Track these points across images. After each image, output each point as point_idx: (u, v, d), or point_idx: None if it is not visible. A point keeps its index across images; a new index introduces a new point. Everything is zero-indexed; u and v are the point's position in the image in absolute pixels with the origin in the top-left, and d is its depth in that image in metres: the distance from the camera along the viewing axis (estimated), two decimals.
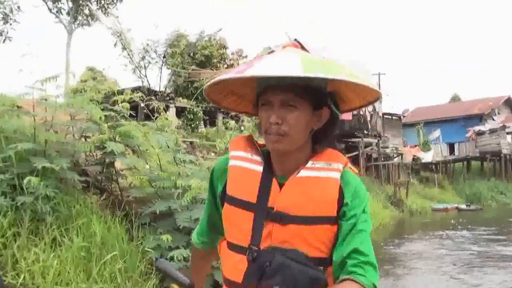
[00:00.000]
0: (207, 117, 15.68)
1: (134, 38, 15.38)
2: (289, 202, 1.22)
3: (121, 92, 6.45)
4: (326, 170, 1.24)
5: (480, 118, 38.70)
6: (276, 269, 1.12)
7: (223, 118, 16.85)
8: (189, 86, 17.99)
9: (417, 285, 8.49)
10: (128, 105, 6.22)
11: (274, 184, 1.25)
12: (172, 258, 4.35)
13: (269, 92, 1.22)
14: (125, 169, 6.21)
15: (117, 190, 5.95)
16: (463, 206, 24.80)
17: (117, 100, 6.11)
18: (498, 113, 40.18)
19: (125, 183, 6.26)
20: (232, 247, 1.28)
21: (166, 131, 6.22)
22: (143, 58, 15.45)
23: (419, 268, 10.04)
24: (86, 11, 22.00)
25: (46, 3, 21.21)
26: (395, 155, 28.84)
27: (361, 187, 1.27)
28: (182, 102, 16.23)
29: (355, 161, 22.62)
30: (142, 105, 6.37)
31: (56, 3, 21.52)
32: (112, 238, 4.60)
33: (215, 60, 19.40)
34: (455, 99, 54.02)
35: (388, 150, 27.81)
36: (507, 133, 33.71)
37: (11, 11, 18.73)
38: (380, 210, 17.51)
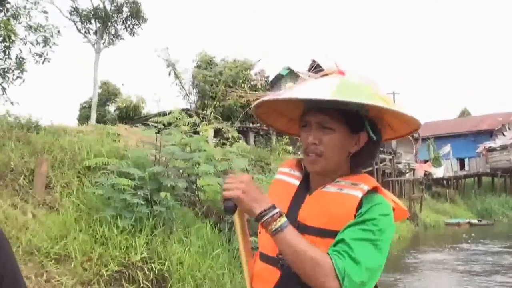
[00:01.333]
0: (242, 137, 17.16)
1: (187, 69, 17.14)
2: (308, 213, 1.28)
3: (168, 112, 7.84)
4: (350, 188, 1.27)
5: (490, 133, 39.32)
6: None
7: (254, 137, 18.31)
8: (217, 105, 19.37)
9: (438, 285, 9.86)
10: (208, 133, 7.74)
11: (307, 198, 1.33)
12: None
13: (309, 114, 1.31)
14: (205, 185, 7.69)
15: (200, 202, 7.43)
16: (475, 221, 25.85)
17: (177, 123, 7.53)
18: (509, 129, 40.85)
19: (203, 196, 7.76)
20: (262, 256, 1.36)
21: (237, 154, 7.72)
22: (195, 85, 17.10)
23: (437, 273, 11.41)
24: (112, 31, 23.42)
25: (75, 23, 22.75)
26: (407, 171, 30.14)
27: (384, 207, 1.25)
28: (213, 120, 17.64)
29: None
30: (226, 130, 7.85)
31: (85, 24, 23.01)
32: (215, 239, 6.10)
33: (240, 81, 20.68)
34: (464, 113, 54.41)
35: (400, 166, 29.11)
36: None
37: (52, 35, 19.93)
38: (398, 224, 18.79)
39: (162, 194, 5.59)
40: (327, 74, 1.37)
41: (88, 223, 5.47)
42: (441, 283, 10.09)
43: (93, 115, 22.02)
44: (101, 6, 22.62)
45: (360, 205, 1.23)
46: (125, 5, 22.94)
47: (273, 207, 1.19)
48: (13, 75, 13.59)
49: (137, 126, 8.74)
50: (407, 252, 14.78)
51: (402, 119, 1.30)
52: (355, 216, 1.21)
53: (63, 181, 6.18)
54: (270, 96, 1.35)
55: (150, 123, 6.60)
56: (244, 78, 20.83)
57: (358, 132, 1.30)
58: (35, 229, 5.28)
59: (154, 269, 5.21)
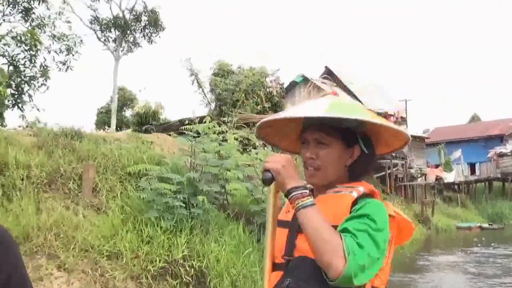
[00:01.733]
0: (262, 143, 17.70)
1: (208, 78, 17.78)
2: None
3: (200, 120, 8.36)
4: (346, 190, 1.38)
5: (500, 138, 39.48)
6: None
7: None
8: (237, 112, 19.60)
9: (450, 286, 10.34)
10: (236, 142, 8.30)
11: None
12: None
13: (306, 132, 1.43)
14: (233, 190, 8.25)
15: (228, 205, 7.98)
16: (486, 225, 26.19)
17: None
18: None
19: (231, 200, 8.31)
20: (273, 266, 1.41)
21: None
22: (217, 94, 17.70)
23: (448, 275, 11.88)
24: (131, 39, 24.00)
25: (95, 32, 23.40)
26: (419, 176, 30.49)
27: (377, 204, 1.35)
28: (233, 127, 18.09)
29: (382, 181, 24.47)
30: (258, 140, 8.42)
31: (104, 32, 23.64)
32: (246, 239, 6.65)
33: (256, 88, 20.94)
34: (474, 119, 54.50)
35: (412, 171, 29.47)
36: None
37: (75, 44, 20.41)
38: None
39: (200, 198, 6.16)
40: (324, 95, 1.49)
41: (133, 224, 6.05)
42: (453, 284, 10.56)
43: (113, 121, 22.66)
44: (121, 15, 23.21)
45: (355, 203, 1.34)
46: (144, 14, 23.53)
47: (304, 187, 1.31)
48: (38, 82, 14.18)
49: (170, 134, 9.32)
50: (420, 254, 15.25)
51: (394, 133, 1.45)
52: (350, 212, 1.31)
53: (107, 186, 6.79)
54: (268, 117, 1.47)
55: (186, 132, 7.15)
56: (260, 85, 21.11)
57: (352, 146, 1.42)
58: (88, 229, 5.88)
59: (194, 265, 5.79)
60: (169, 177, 6.32)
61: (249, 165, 8.46)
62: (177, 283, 5.61)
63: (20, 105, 13.26)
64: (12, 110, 13.37)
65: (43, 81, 13.96)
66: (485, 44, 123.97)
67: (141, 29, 23.99)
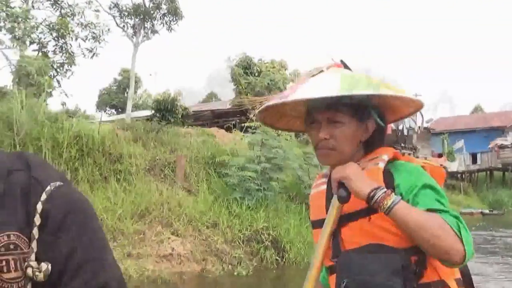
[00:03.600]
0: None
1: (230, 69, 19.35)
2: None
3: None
4: (370, 163, 1.30)
5: (502, 130, 40.97)
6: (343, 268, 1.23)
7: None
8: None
9: None
10: (288, 137, 10.02)
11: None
12: None
13: (316, 111, 1.32)
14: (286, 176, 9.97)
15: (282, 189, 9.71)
16: (487, 211, 28.02)
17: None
18: None
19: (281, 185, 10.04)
20: (327, 269, 1.36)
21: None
22: (257, 91, 19.26)
23: None
24: (149, 26, 24.57)
25: (114, 18, 24.10)
26: None
27: (414, 168, 1.29)
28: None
29: None
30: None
31: (123, 19, 24.32)
32: (304, 216, 8.41)
33: (276, 80, 22.18)
34: (477, 109, 55.70)
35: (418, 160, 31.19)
36: None
37: (102, 32, 20.49)
38: None
39: (273, 183, 7.92)
40: (322, 71, 1.38)
41: (222, 202, 7.81)
42: None
43: (129, 106, 23.48)
44: (141, 2, 23.70)
45: (389, 176, 1.27)
46: (164, 2, 24.09)
47: (382, 187, 1.19)
48: (64, 68, 15.22)
49: (225, 128, 11.02)
50: None
51: (408, 102, 1.36)
52: (386, 184, 1.23)
53: (194, 172, 8.53)
54: (275, 100, 1.35)
55: (249, 129, 8.88)
56: (280, 78, 22.32)
57: (366, 121, 1.33)
58: (188, 206, 7.62)
59: (271, 234, 7.55)
60: (247, 166, 8.06)
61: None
62: (260, 247, 7.39)
63: (49, 90, 14.17)
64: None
65: (68, 67, 14.70)
66: (489, 36, 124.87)
67: (160, 17, 24.32)
